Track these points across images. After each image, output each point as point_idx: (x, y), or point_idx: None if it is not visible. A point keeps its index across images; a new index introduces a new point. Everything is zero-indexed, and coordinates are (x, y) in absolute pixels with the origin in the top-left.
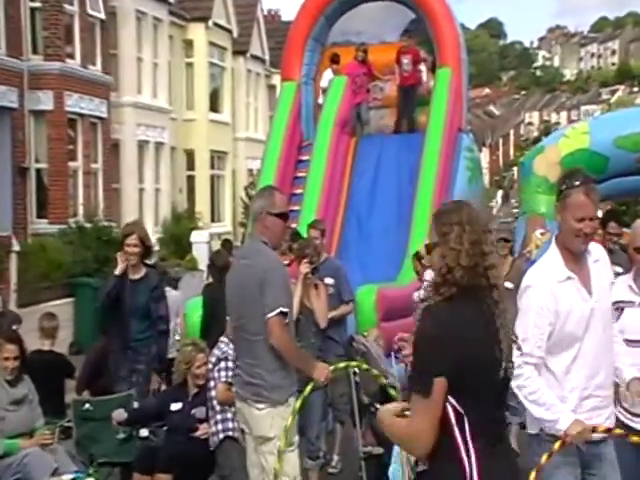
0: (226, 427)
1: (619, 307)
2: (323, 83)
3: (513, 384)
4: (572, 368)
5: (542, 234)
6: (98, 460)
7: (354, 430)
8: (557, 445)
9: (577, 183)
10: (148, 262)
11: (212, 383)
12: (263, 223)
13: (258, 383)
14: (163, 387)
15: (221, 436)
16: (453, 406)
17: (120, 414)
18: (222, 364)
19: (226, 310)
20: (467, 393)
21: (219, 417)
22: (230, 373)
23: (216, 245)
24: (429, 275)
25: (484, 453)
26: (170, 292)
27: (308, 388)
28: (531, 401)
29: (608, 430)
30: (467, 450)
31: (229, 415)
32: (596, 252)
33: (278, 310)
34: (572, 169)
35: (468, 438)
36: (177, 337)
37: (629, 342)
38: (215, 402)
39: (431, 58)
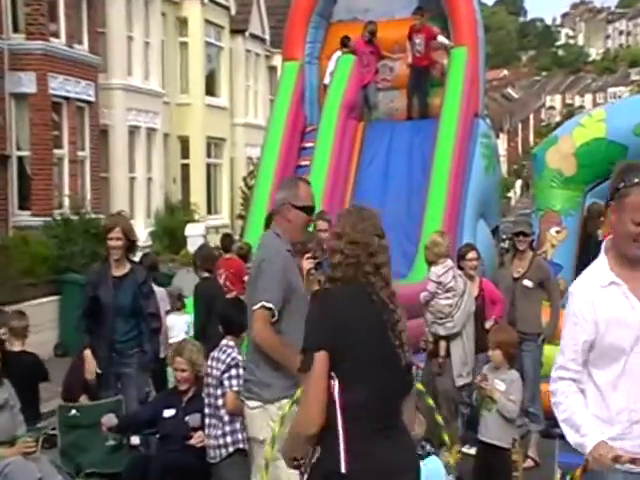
0: (236, 439)
1: None
2: (331, 66)
3: (552, 400)
4: (619, 385)
5: (557, 232)
6: (85, 470)
7: None
8: (578, 471)
9: (637, 180)
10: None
11: (219, 391)
12: (285, 215)
13: (249, 378)
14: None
15: (231, 449)
16: (339, 387)
17: (110, 419)
18: (233, 371)
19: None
20: (348, 375)
21: (228, 429)
22: (241, 381)
23: (213, 239)
24: (434, 274)
25: (362, 435)
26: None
27: (298, 391)
28: (562, 420)
29: (633, 460)
30: (345, 430)
31: (238, 425)
32: None
33: (260, 304)
34: (631, 163)
35: (347, 419)
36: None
37: None
38: (223, 412)
39: (446, 36)
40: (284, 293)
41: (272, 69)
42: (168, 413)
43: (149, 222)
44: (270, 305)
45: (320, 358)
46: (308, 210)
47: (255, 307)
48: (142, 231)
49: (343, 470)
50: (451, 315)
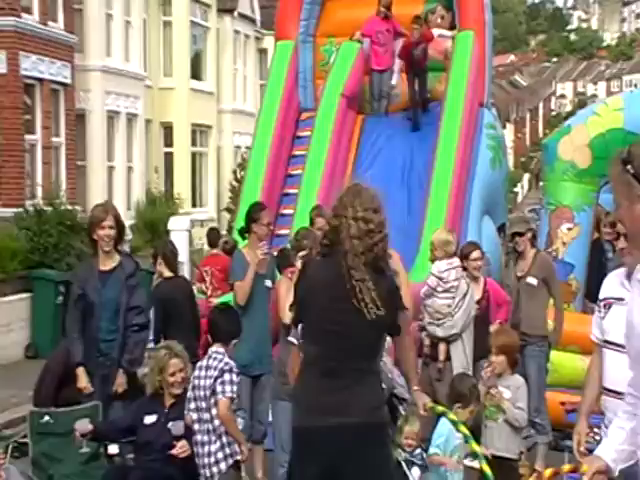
0: (234, 451)
1: (607, 304)
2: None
3: None
4: None
5: (569, 229)
6: None
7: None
8: (551, 471)
9: None
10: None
11: (212, 400)
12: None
13: None
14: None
15: (230, 461)
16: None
17: (84, 425)
18: (226, 376)
19: (183, 311)
20: (307, 325)
21: (225, 440)
22: (235, 388)
23: (198, 233)
24: (436, 268)
25: (312, 376)
26: None
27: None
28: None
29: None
30: (302, 370)
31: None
32: None
33: None
34: None
35: (304, 362)
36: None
37: (610, 344)
38: (217, 422)
39: (450, 17)
40: None
41: (262, 52)
42: (149, 419)
43: (129, 214)
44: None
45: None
46: None
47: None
48: None
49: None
50: (450, 315)
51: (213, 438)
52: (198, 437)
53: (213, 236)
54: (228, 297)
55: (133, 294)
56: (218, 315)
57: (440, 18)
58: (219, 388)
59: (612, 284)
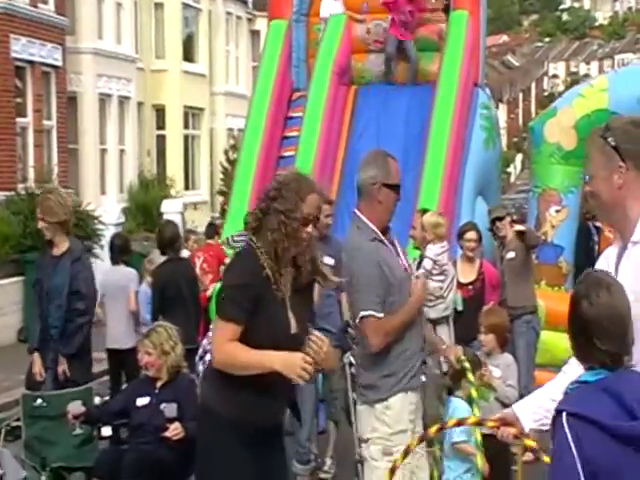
0: None
1: None
2: (322, 13)
3: None
4: None
5: (557, 212)
6: (52, 465)
7: (350, 430)
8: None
9: None
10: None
11: (197, 381)
12: (375, 196)
13: (359, 382)
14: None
15: None
16: None
17: (77, 406)
18: (208, 356)
19: (181, 294)
20: None
21: None
22: None
23: (191, 216)
24: (432, 252)
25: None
26: (123, 269)
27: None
28: None
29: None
30: None
31: None
32: None
33: (367, 313)
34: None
35: None
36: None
37: None
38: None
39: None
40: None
41: (255, 33)
42: (141, 402)
43: (121, 197)
44: (374, 313)
45: None
46: (398, 189)
47: (361, 315)
48: (114, 207)
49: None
50: (442, 297)
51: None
52: None
53: (211, 231)
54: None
55: (75, 279)
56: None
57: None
58: (200, 368)
59: (602, 266)
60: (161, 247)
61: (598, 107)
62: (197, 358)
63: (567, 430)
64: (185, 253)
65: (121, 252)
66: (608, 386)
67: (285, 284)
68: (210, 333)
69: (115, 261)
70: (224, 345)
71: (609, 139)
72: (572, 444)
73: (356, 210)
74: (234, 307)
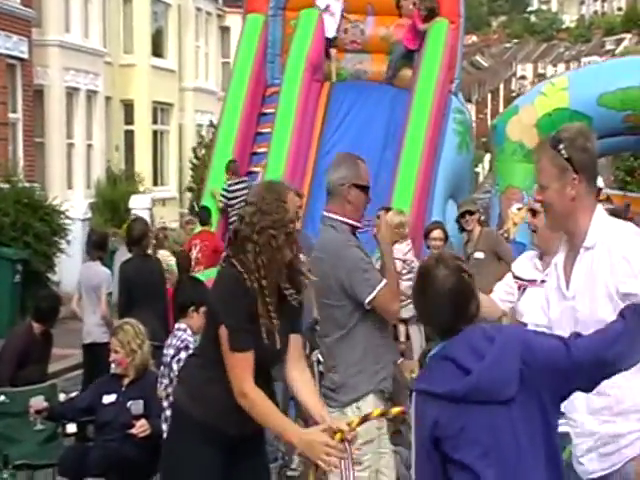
0: None
1: (521, 286)
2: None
3: None
4: None
5: (519, 209)
6: (15, 462)
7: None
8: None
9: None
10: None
11: (166, 380)
12: (345, 196)
13: (325, 385)
14: None
15: None
16: None
17: (39, 401)
18: (182, 354)
19: (148, 291)
20: None
21: None
22: None
23: (159, 212)
24: (400, 252)
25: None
26: (97, 267)
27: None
28: None
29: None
30: None
31: None
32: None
33: (380, 286)
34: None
35: None
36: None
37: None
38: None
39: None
40: None
41: (224, 30)
42: (108, 399)
43: (89, 193)
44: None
45: None
46: (367, 191)
47: (378, 289)
48: (81, 203)
49: None
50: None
51: (162, 414)
52: (167, 413)
53: (204, 215)
54: (207, 274)
55: None
56: (178, 287)
57: (412, 5)
58: (175, 366)
59: (524, 266)
60: (129, 244)
61: (559, 106)
62: (168, 358)
63: (413, 407)
64: (164, 253)
65: (98, 248)
66: (446, 353)
67: (272, 299)
68: (179, 331)
69: (91, 256)
70: (249, 383)
71: (562, 151)
72: (415, 419)
73: (325, 212)
74: (241, 336)
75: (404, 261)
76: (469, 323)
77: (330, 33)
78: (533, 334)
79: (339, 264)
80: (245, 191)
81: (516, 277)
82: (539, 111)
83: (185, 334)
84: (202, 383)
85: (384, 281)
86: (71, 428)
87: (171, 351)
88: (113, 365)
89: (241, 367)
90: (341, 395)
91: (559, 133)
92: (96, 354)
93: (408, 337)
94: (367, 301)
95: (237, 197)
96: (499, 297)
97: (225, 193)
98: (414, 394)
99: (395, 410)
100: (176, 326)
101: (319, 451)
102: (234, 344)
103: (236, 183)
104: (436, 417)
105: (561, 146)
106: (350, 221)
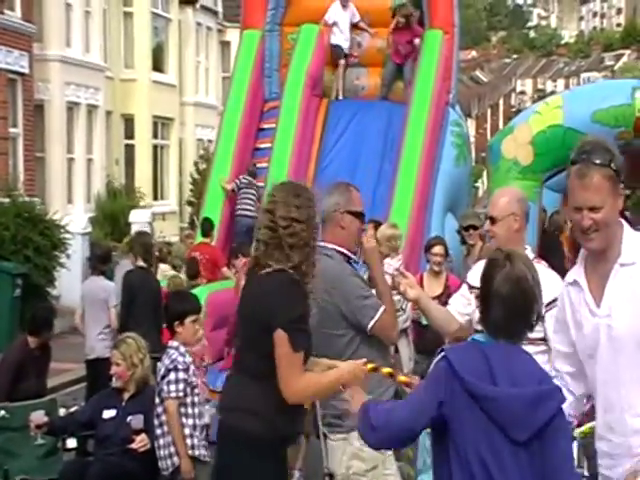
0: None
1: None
2: (328, 17)
3: None
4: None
5: None
6: (15, 477)
7: (318, 442)
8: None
9: (573, 157)
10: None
11: (157, 399)
12: (338, 222)
13: (327, 413)
14: None
15: (175, 460)
16: None
17: (39, 415)
18: (171, 376)
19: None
20: None
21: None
22: (181, 386)
23: (159, 226)
24: (391, 267)
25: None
26: (102, 281)
27: None
28: None
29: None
30: None
31: (187, 431)
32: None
33: (381, 310)
34: (584, 139)
35: None
36: None
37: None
38: (163, 420)
39: (417, 15)
40: None
41: (225, 44)
42: (108, 414)
43: (89, 207)
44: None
45: None
46: (361, 217)
47: (379, 314)
48: (81, 217)
49: None
50: (402, 309)
51: (165, 430)
52: (157, 431)
53: (206, 226)
54: (210, 287)
55: None
56: (169, 299)
57: (402, 17)
58: (164, 388)
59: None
60: (136, 254)
61: (553, 123)
62: (159, 377)
63: (438, 370)
64: (165, 267)
65: (101, 262)
66: (486, 350)
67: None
68: (171, 350)
69: (95, 270)
70: (302, 376)
71: (612, 164)
72: (436, 383)
73: (320, 242)
74: (304, 337)
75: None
76: (522, 331)
77: (342, 44)
78: None
79: (337, 292)
80: (253, 191)
81: (472, 287)
82: (534, 129)
83: (176, 353)
84: (275, 409)
85: (383, 307)
86: (71, 443)
87: (162, 371)
88: (114, 378)
89: (299, 366)
90: (345, 420)
91: (600, 146)
92: (100, 369)
93: (397, 350)
94: (369, 327)
95: (246, 190)
96: (456, 309)
97: (238, 182)
98: (444, 358)
99: (402, 378)
100: (169, 343)
101: (360, 374)
102: (298, 344)
103: (249, 181)
104: (454, 397)
105: (609, 158)
106: (344, 250)
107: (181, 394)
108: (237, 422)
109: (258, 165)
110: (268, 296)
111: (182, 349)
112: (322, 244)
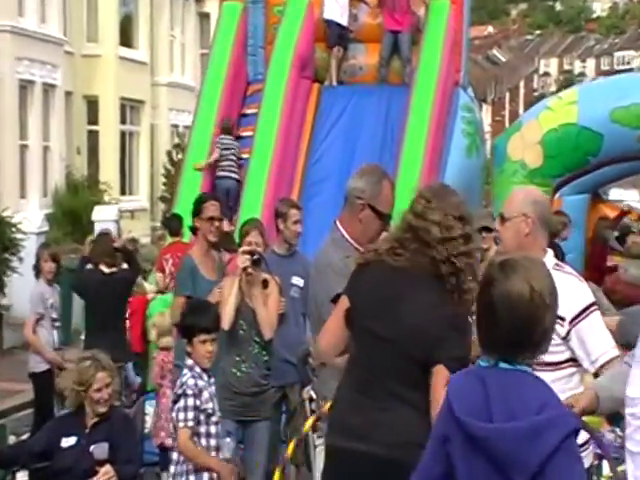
0: None
1: None
2: (326, 14)
3: None
4: None
5: None
6: None
7: (310, 475)
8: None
9: None
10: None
11: (171, 427)
12: (356, 212)
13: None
14: None
15: None
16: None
17: None
18: (181, 402)
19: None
20: (352, 332)
21: (185, 467)
22: (190, 415)
23: (128, 225)
24: None
25: (344, 388)
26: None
27: None
28: None
29: None
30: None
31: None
32: None
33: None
34: None
35: (346, 368)
36: None
37: None
38: (176, 453)
39: None
40: None
41: (204, 17)
42: (67, 442)
43: (45, 202)
44: None
45: (342, 300)
46: (386, 219)
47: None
48: (36, 213)
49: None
50: None
51: (174, 469)
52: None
53: (175, 224)
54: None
55: None
56: (185, 312)
57: None
58: (175, 416)
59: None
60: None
61: (566, 121)
62: (171, 403)
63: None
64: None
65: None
66: (485, 377)
67: None
68: (185, 370)
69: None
70: None
71: None
72: (437, 418)
73: (337, 220)
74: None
75: None
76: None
77: (337, 18)
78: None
79: (335, 278)
80: (234, 150)
81: None
82: (544, 127)
83: (188, 374)
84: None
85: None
86: (22, 477)
87: (173, 396)
88: (97, 405)
89: None
90: None
91: None
92: (45, 383)
93: None
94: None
95: (227, 152)
96: None
97: (219, 145)
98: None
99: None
100: (186, 362)
101: None
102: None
103: (229, 140)
104: (447, 427)
105: None
106: (354, 243)
107: (191, 423)
108: (407, 458)
109: (241, 156)
110: (458, 327)
111: (197, 370)
112: (337, 225)
